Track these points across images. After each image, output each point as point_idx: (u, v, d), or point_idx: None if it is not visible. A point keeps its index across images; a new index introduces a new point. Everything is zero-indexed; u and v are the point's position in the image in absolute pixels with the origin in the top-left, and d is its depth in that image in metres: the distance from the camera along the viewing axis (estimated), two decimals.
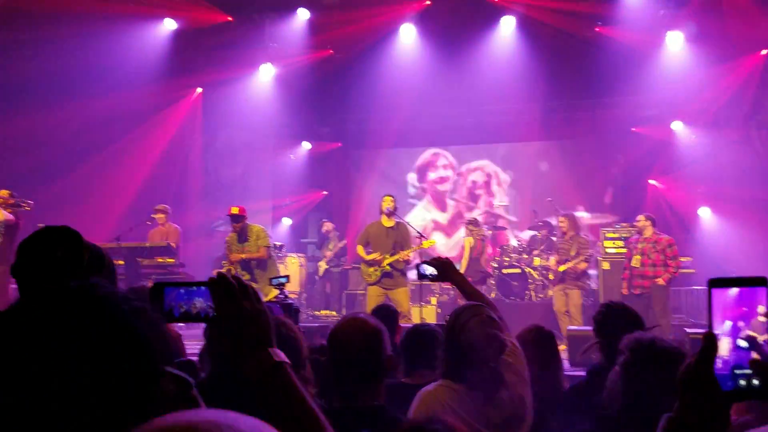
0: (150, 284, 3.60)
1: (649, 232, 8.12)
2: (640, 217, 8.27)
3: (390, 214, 7.74)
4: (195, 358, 3.32)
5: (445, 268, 2.94)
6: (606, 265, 9.00)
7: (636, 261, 8.05)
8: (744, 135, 10.95)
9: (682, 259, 8.61)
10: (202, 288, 1.14)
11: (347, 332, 2.04)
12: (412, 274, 7.68)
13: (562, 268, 8.48)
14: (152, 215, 8.75)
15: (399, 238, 7.74)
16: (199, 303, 1.14)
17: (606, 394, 2.05)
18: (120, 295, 0.87)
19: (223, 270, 7.50)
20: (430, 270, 2.94)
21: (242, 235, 7.71)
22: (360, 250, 7.89)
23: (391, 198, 7.80)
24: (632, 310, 2.88)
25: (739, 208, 10.73)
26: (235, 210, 7.71)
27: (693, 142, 11.48)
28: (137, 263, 7.77)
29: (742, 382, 1.03)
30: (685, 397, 1.07)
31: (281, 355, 1.12)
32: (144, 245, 7.93)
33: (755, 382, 1.02)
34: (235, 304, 1.12)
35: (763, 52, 10.34)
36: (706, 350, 1.05)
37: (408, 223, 8.25)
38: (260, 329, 1.12)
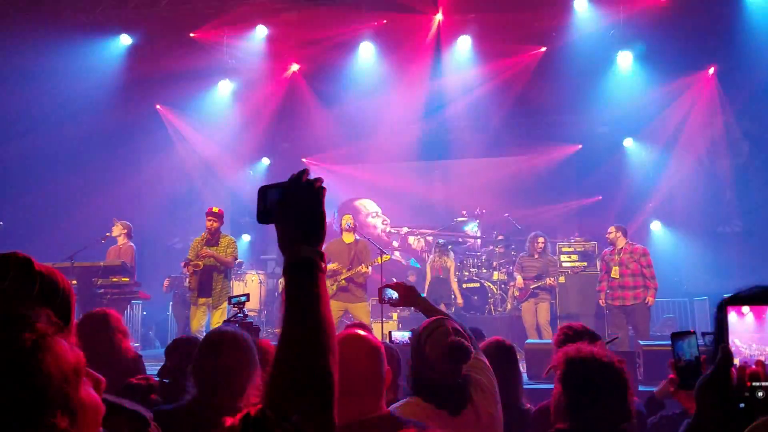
0: (108, 309, 3.51)
1: (622, 242, 8.11)
2: (611, 229, 8.25)
3: (349, 230, 7.98)
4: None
5: (408, 293, 2.98)
6: (561, 279, 9.19)
7: (615, 272, 8.01)
8: (692, 150, 11.33)
9: None
10: None
11: (351, 348, 2.03)
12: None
13: (534, 286, 8.88)
14: (111, 228, 8.56)
15: (358, 253, 7.94)
16: None
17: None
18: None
19: (189, 267, 7.17)
20: (393, 294, 2.99)
21: (214, 238, 7.62)
22: None
23: (350, 216, 8.15)
24: (590, 329, 3.04)
25: (687, 221, 11.09)
26: (216, 209, 7.70)
27: (643, 158, 11.82)
28: (92, 283, 7.59)
29: (760, 394, 1.07)
30: (703, 406, 1.13)
31: (313, 255, 1.17)
32: (98, 264, 7.75)
33: None
34: (294, 200, 1.20)
35: (711, 71, 10.75)
36: (722, 361, 1.11)
37: (369, 240, 8.54)
38: (306, 226, 1.19)
